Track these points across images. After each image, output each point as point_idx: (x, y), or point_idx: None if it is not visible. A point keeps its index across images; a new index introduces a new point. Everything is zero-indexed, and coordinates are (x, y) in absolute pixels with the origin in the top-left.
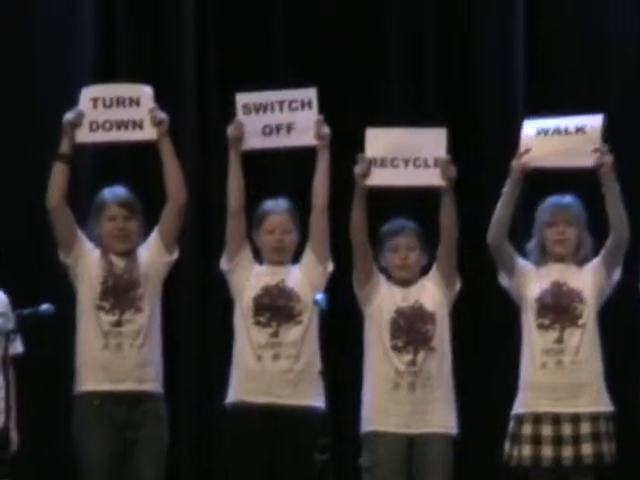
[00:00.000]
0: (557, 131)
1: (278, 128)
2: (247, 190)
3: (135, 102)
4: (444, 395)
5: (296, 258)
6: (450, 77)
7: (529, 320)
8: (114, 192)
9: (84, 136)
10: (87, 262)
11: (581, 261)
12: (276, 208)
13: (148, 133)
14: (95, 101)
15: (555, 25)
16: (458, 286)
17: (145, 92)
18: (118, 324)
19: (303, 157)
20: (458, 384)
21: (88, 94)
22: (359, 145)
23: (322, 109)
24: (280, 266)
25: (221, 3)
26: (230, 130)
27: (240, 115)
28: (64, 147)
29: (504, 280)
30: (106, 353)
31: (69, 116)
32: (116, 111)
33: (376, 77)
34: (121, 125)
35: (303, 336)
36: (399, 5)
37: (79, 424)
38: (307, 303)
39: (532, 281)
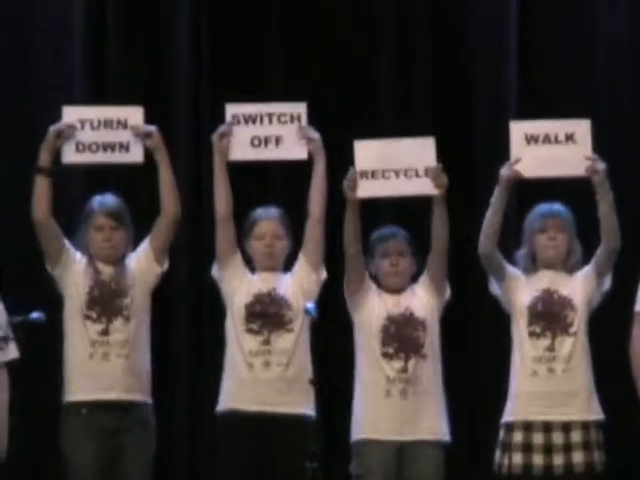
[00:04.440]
0: (547, 139)
1: (267, 140)
2: (238, 198)
3: (122, 124)
4: (435, 402)
5: (289, 266)
6: (441, 85)
7: (520, 328)
8: (102, 201)
9: (70, 156)
10: (74, 272)
11: (571, 269)
12: (266, 214)
13: (134, 155)
14: (82, 123)
15: (546, 33)
16: (448, 294)
17: (133, 113)
18: (105, 333)
19: (298, 165)
20: (449, 391)
21: (72, 113)
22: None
23: (314, 123)
24: (272, 273)
25: (217, 16)
26: (215, 138)
27: (229, 124)
28: (44, 160)
29: (494, 288)
30: (93, 362)
31: (56, 127)
32: (103, 133)
33: (367, 88)
34: (107, 147)
35: (294, 344)
36: (392, 17)
37: (68, 433)
38: (299, 311)
39: (523, 289)
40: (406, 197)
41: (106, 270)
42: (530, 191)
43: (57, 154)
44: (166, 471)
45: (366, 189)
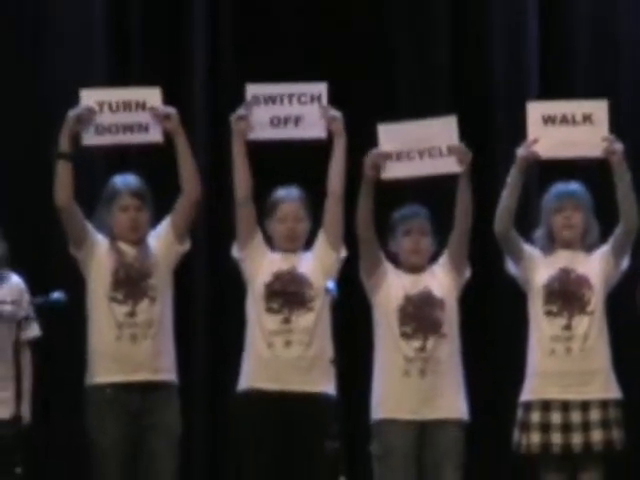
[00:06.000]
0: (564, 120)
1: (286, 120)
2: (257, 178)
3: (141, 106)
4: (454, 381)
5: (309, 244)
6: (460, 65)
7: (537, 307)
8: (126, 181)
9: (90, 139)
10: (98, 255)
11: (589, 247)
12: (288, 196)
13: (153, 135)
14: (101, 105)
15: (567, 14)
16: (468, 273)
17: (151, 94)
18: (132, 315)
19: (317, 145)
20: (467, 370)
21: (91, 96)
22: (373, 138)
23: (333, 103)
24: (292, 253)
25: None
26: (234, 118)
27: (248, 105)
28: (65, 145)
29: (511, 268)
30: (120, 344)
31: (75, 111)
32: (122, 115)
33: (385, 69)
34: (127, 128)
35: (315, 322)
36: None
37: (93, 413)
38: (319, 289)
39: (540, 268)
40: (428, 177)
41: (130, 251)
42: (550, 170)
43: (77, 138)
44: (187, 450)
45: (391, 170)
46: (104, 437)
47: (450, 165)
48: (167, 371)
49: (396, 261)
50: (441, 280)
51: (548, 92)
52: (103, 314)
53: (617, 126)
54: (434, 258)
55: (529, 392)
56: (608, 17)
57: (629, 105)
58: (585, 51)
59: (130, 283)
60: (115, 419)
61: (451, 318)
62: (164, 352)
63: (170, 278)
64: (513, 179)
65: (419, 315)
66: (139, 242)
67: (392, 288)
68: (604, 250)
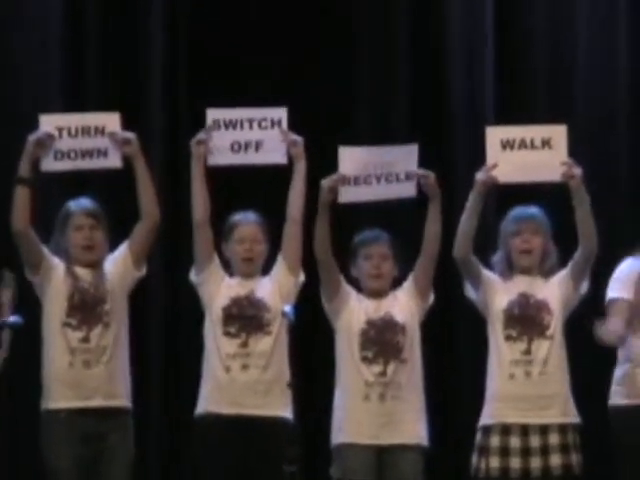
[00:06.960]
0: (523, 145)
1: (247, 145)
2: (216, 202)
3: (100, 131)
4: (415, 406)
5: (267, 269)
6: (419, 91)
7: (496, 332)
8: (79, 202)
9: (49, 165)
10: (53, 279)
11: (547, 272)
12: (245, 219)
13: (113, 161)
14: (60, 131)
15: (522, 37)
16: (431, 299)
17: (110, 120)
18: (85, 340)
19: (277, 169)
20: (427, 395)
21: (50, 121)
22: (333, 162)
23: (293, 128)
24: (250, 278)
25: (194, 20)
26: (193, 143)
27: (208, 130)
28: (24, 170)
29: (470, 292)
30: (73, 370)
31: (34, 136)
32: (81, 140)
33: (346, 93)
34: (85, 154)
35: (273, 346)
36: (369, 21)
37: (47, 438)
38: (277, 313)
39: (499, 292)
40: (388, 202)
41: (85, 275)
42: (509, 195)
43: (36, 163)
44: (142, 475)
45: (348, 195)
46: (59, 461)
47: (407, 190)
48: (121, 397)
49: (358, 286)
50: (404, 305)
51: (505, 116)
52: (57, 339)
53: (574, 149)
54: (398, 282)
55: (488, 416)
56: (565, 39)
57: (586, 129)
58: (542, 74)
59: (85, 309)
60: (70, 444)
61: (413, 343)
62: (118, 378)
63: (125, 303)
64: (472, 204)
65: (380, 340)
66: (95, 265)
67: (354, 312)
68: (563, 274)
